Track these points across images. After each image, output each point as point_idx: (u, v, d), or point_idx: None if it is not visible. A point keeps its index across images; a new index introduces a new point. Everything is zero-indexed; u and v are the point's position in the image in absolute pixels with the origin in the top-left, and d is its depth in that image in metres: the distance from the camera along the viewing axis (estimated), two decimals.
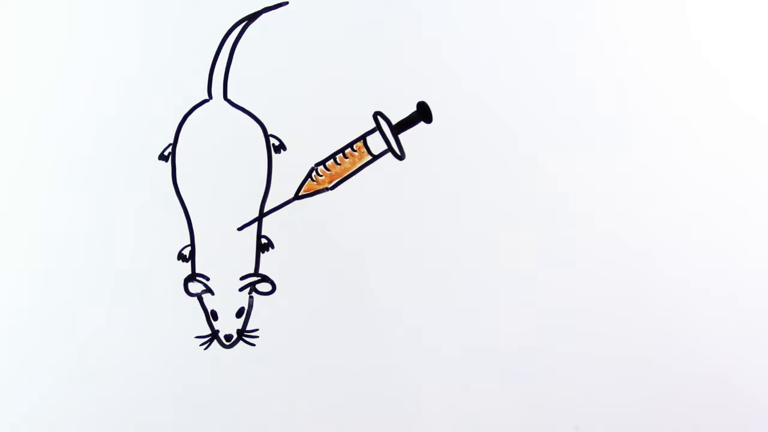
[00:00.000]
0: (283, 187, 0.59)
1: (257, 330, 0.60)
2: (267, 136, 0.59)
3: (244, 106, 0.59)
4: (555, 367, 0.59)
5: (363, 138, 0.58)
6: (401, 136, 0.58)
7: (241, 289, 0.59)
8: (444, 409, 0.60)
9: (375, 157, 0.59)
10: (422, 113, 0.58)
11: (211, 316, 0.59)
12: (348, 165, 0.59)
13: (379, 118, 0.58)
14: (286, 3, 0.58)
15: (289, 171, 0.59)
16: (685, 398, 0.59)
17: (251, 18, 0.58)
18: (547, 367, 0.59)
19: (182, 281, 0.59)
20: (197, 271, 0.59)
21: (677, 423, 0.59)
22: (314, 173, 0.59)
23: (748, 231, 0.58)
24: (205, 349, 0.60)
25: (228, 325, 0.59)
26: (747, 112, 0.58)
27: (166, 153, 0.59)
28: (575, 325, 0.59)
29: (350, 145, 0.58)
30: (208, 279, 0.59)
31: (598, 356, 0.59)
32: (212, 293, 0.59)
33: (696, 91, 0.58)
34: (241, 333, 0.59)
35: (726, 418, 0.59)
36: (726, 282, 0.58)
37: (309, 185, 0.59)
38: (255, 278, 0.59)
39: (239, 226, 0.59)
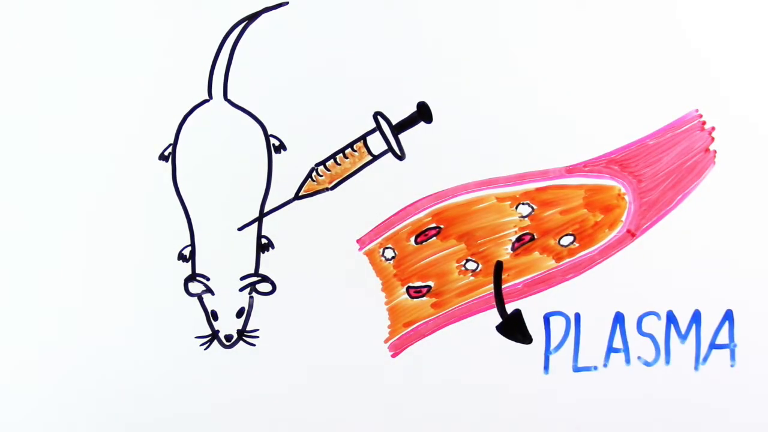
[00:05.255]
0: (283, 187, 0.59)
1: (257, 330, 0.60)
2: (267, 136, 0.59)
3: (244, 106, 0.59)
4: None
5: (363, 138, 0.58)
6: (401, 136, 0.58)
7: (241, 289, 0.59)
8: (440, 408, 0.60)
9: (375, 157, 0.59)
10: (422, 113, 0.58)
11: (212, 316, 0.59)
12: (348, 165, 0.59)
13: (379, 118, 0.58)
14: (286, 3, 0.58)
15: (289, 171, 0.59)
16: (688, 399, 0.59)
17: (251, 18, 0.58)
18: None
19: (182, 281, 0.59)
20: (197, 271, 0.59)
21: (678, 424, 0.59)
22: (314, 173, 0.59)
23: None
24: (206, 349, 0.60)
25: (228, 325, 0.59)
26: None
27: (166, 153, 0.59)
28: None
29: (350, 145, 0.58)
30: (208, 279, 0.59)
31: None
32: (212, 293, 0.59)
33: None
34: (241, 333, 0.59)
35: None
36: None
37: (309, 185, 0.59)
38: (255, 278, 0.59)
39: (239, 226, 0.59)
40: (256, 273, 0.59)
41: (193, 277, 0.59)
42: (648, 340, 0.59)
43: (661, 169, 0.58)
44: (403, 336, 0.60)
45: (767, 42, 0.57)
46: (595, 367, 0.59)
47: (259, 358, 0.60)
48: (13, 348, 0.60)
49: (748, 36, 0.57)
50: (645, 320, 0.59)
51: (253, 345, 0.60)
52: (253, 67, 0.58)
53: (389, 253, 0.59)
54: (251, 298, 0.59)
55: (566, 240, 0.59)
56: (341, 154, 0.58)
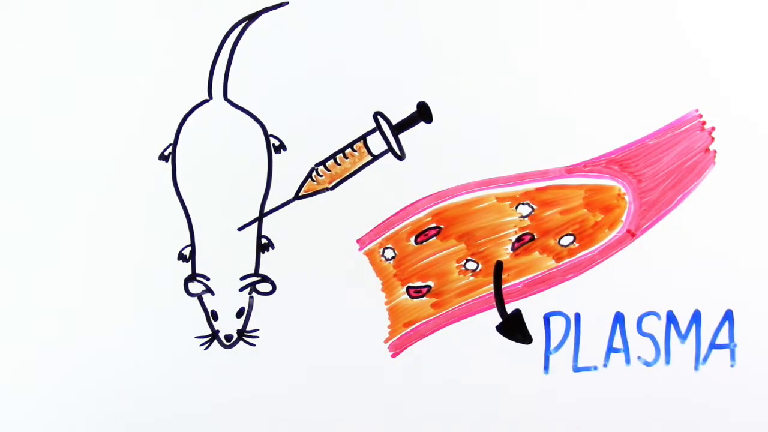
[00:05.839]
0: (283, 187, 0.59)
1: (257, 330, 0.60)
2: (267, 136, 0.59)
3: (244, 106, 0.59)
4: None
5: (363, 138, 0.58)
6: (401, 136, 0.58)
7: (241, 290, 0.59)
8: (440, 408, 0.60)
9: (375, 157, 0.59)
10: (422, 113, 0.58)
11: (212, 316, 0.59)
12: (348, 165, 0.59)
13: (379, 118, 0.58)
14: (286, 3, 0.58)
15: (289, 171, 0.59)
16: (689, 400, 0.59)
17: (251, 18, 0.58)
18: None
19: (182, 281, 0.59)
20: (197, 271, 0.59)
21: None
22: (314, 173, 0.59)
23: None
24: (206, 349, 0.60)
25: (228, 325, 0.59)
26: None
27: (166, 153, 0.59)
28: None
29: (350, 145, 0.58)
30: (208, 279, 0.59)
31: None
32: (212, 293, 0.59)
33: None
34: (241, 333, 0.59)
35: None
36: None
37: (309, 185, 0.59)
38: (255, 278, 0.59)
39: (239, 226, 0.59)
40: (256, 273, 0.59)
41: (193, 277, 0.59)
42: (648, 340, 0.59)
43: (661, 169, 0.58)
44: (403, 336, 0.60)
45: (767, 42, 0.57)
46: (595, 367, 0.59)
47: (259, 358, 0.60)
48: (13, 348, 0.60)
49: (748, 36, 0.57)
50: (645, 320, 0.59)
51: (253, 345, 0.60)
52: (253, 67, 0.58)
53: (389, 253, 0.59)
54: (251, 298, 0.59)
55: (566, 240, 0.59)
56: (341, 154, 0.58)
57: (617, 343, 0.59)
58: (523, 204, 0.59)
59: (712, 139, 0.58)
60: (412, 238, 0.59)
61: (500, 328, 0.59)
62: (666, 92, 0.57)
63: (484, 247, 0.59)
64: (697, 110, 0.58)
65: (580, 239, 0.59)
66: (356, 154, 0.58)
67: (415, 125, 0.58)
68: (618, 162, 0.58)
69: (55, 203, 0.59)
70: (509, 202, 0.59)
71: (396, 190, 0.59)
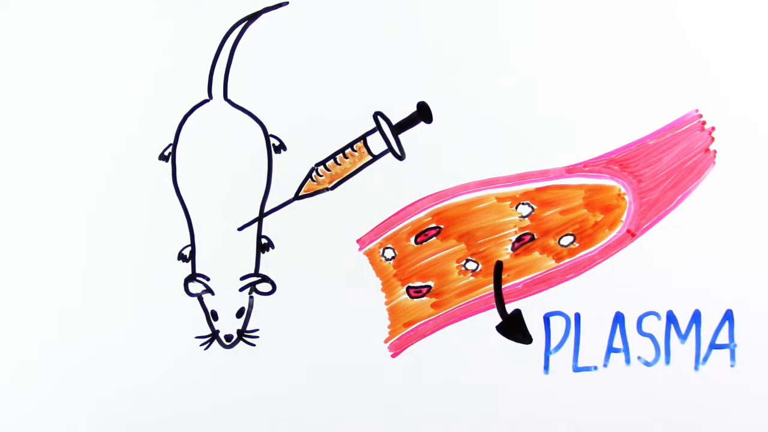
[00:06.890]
0: (283, 187, 0.59)
1: (257, 330, 0.60)
2: (267, 136, 0.59)
3: (244, 106, 0.59)
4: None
5: (363, 138, 0.58)
6: (401, 136, 0.58)
7: (241, 290, 0.59)
8: (440, 408, 0.60)
9: (375, 157, 0.59)
10: (422, 113, 0.58)
11: (212, 316, 0.59)
12: (348, 165, 0.59)
13: (379, 118, 0.58)
14: (286, 3, 0.58)
15: (289, 171, 0.59)
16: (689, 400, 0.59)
17: (251, 18, 0.58)
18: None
19: (182, 281, 0.59)
20: (197, 271, 0.59)
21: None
22: (314, 173, 0.59)
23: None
24: (206, 349, 0.60)
25: (228, 325, 0.59)
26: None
27: (166, 153, 0.59)
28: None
29: (350, 145, 0.58)
30: (208, 279, 0.59)
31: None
32: (212, 293, 0.59)
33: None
34: (241, 333, 0.59)
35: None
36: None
37: (309, 185, 0.59)
38: (255, 278, 0.59)
39: (239, 226, 0.59)
40: (256, 273, 0.59)
41: (193, 277, 0.59)
42: (648, 340, 0.59)
43: (661, 169, 0.58)
44: (403, 336, 0.60)
45: (767, 42, 0.57)
46: (595, 367, 0.59)
47: (259, 358, 0.60)
48: (13, 348, 0.60)
49: (748, 36, 0.57)
50: (645, 320, 0.59)
51: (253, 345, 0.60)
52: (253, 67, 0.58)
53: (389, 253, 0.59)
54: (251, 298, 0.59)
55: (566, 240, 0.59)
56: (341, 154, 0.58)
57: (617, 343, 0.59)
58: (523, 204, 0.59)
59: (712, 139, 0.58)
60: (412, 238, 0.59)
61: (500, 328, 0.59)
62: (666, 92, 0.57)
63: (484, 247, 0.59)
64: (697, 110, 0.58)
65: (580, 239, 0.59)
66: (356, 154, 0.58)
67: (415, 125, 0.58)
68: (618, 162, 0.58)
69: (55, 203, 0.59)
70: (509, 202, 0.59)
71: (396, 190, 0.59)
